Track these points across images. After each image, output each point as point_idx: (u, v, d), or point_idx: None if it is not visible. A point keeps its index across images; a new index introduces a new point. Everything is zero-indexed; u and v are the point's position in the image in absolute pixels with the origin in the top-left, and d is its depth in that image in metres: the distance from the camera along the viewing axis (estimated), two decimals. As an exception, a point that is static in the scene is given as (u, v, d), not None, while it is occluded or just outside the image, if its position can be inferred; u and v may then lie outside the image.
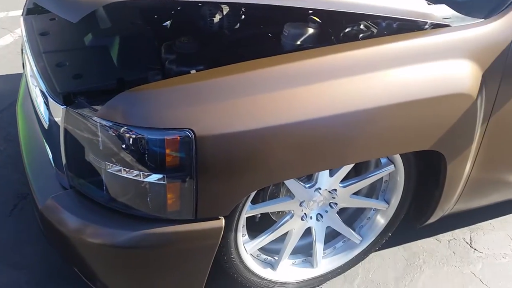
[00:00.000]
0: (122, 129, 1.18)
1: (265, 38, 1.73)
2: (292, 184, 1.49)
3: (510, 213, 2.20)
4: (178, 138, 1.15)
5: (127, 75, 1.35)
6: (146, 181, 1.22)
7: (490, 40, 1.40)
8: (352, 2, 1.34)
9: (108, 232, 1.31)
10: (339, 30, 1.56)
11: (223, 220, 1.31)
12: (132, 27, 1.64)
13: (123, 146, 1.20)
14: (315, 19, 1.65)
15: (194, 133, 1.14)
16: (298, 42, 1.57)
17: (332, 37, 1.57)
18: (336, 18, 1.61)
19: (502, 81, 1.45)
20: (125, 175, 1.23)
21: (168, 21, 1.94)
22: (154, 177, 1.21)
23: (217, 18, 1.76)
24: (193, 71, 1.37)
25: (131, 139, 1.18)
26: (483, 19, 1.41)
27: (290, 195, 1.55)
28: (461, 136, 1.47)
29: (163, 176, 1.20)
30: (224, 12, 1.77)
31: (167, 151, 1.17)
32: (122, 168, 1.23)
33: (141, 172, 1.22)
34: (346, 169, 1.53)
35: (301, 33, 1.58)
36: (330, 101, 1.28)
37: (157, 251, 1.32)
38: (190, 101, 1.17)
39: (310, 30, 1.58)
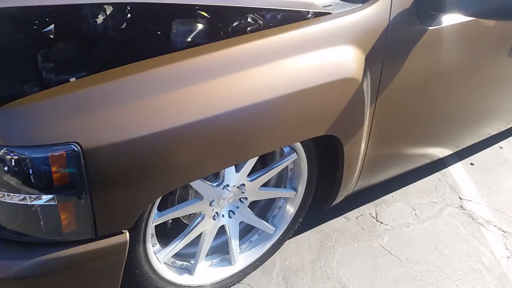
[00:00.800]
0: (1, 151, 1.06)
1: (153, 37, 1.66)
2: (198, 185, 1.45)
3: (408, 184, 2.36)
4: (64, 153, 1.06)
5: (-1, 90, 1.22)
6: (36, 204, 1.12)
7: (369, 23, 1.47)
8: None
9: (0, 265, 1.18)
10: (227, 24, 1.55)
11: (127, 234, 1.24)
12: (3, 37, 1.49)
13: (5, 169, 1.08)
14: (203, 15, 1.62)
15: (80, 146, 1.06)
16: (188, 39, 1.54)
17: (221, 32, 1.55)
18: (223, 12, 1.59)
19: (384, 62, 1.54)
20: (12, 201, 1.12)
21: (51, 27, 1.79)
22: (43, 199, 1.11)
23: (100, 18, 1.66)
24: (73, 79, 1.28)
25: (13, 161, 1.07)
26: (361, 4, 1.48)
27: (198, 196, 1.52)
28: (353, 119, 1.53)
29: (53, 196, 1.10)
30: (108, 12, 1.68)
31: (54, 168, 1.07)
32: (7, 193, 1.11)
33: (28, 195, 1.11)
34: (251, 163, 1.53)
35: (190, 29, 1.55)
36: (224, 97, 1.26)
37: (59, 277, 1.22)
38: (72, 111, 1.09)
39: (199, 26, 1.55)
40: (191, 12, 1.62)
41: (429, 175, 2.46)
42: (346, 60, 1.43)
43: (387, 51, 1.53)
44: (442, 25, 1.64)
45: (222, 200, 1.56)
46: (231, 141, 1.30)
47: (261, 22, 1.48)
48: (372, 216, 2.15)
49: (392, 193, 2.31)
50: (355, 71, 1.44)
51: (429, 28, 1.60)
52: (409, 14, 1.54)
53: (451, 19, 1.65)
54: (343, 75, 1.42)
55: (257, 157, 1.52)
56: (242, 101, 1.28)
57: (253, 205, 1.73)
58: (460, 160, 2.60)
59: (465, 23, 1.68)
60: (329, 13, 1.43)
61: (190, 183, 1.40)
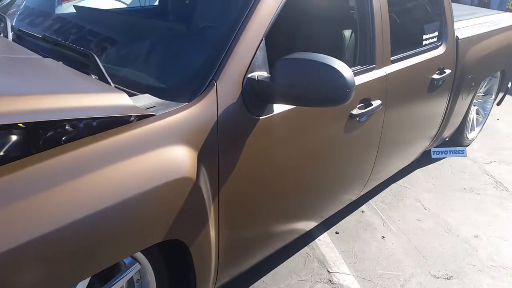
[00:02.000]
0: None
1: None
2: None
3: (279, 264, 2.33)
4: None
5: None
6: None
7: (197, 121, 1.45)
8: (46, 109, 1.23)
9: None
10: (42, 135, 1.42)
11: None
12: None
13: None
14: (19, 125, 1.47)
15: None
16: (1, 153, 1.37)
17: (36, 144, 1.41)
18: (38, 123, 1.46)
19: (220, 156, 1.51)
20: None
21: None
22: None
23: None
24: None
25: None
26: (187, 103, 1.46)
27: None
28: (194, 218, 1.46)
29: None
30: None
31: None
32: None
33: None
34: (84, 284, 1.36)
35: (4, 142, 1.38)
36: (39, 218, 1.11)
37: None
38: None
39: (13, 138, 1.39)
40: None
41: (298, 250, 2.46)
42: (177, 160, 1.37)
43: (221, 145, 1.51)
44: (274, 113, 1.69)
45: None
46: (51, 267, 1.13)
47: (78, 130, 1.38)
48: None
49: (263, 278, 2.24)
50: (188, 170, 1.39)
51: (260, 117, 1.64)
52: (237, 107, 1.56)
53: (282, 106, 1.71)
54: (175, 176, 1.36)
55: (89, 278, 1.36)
56: (62, 219, 1.14)
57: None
58: (326, 230, 2.66)
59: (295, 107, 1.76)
60: (152, 115, 1.38)
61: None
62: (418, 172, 3.43)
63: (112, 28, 2.00)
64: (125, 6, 4.07)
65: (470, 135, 3.84)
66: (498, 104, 4.28)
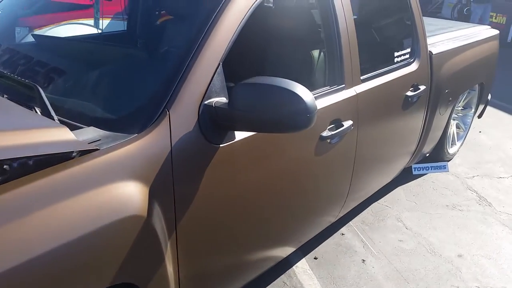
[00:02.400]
0: None
1: None
2: None
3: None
4: None
5: None
6: None
7: (148, 153, 1.36)
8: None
9: None
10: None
11: None
12: None
13: None
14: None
15: None
16: None
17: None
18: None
19: (176, 189, 1.43)
20: None
21: None
22: None
23: None
24: None
25: None
26: (136, 134, 1.37)
27: None
28: (148, 258, 1.36)
29: None
30: None
31: None
32: None
33: None
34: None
35: None
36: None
37: None
38: None
39: None
40: None
41: (275, 279, 2.36)
42: (125, 197, 1.28)
43: (176, 177, 1.42)
44: (236, 140, 1.61)
45: None
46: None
47: (13, 170, 1.28)
48: None
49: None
50: (139, 207, 1.30)
51: (220, 145, 1.56)
52: (194, 136, 1.47)
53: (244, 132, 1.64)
54: (124, 214, 1.26)
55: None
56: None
57: None
58: (304, 255, 2.56)
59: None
60: (97, 149, 1.29)
61: None
62: (399, 190, 3.36)
63: (63, 57, 1.93)
64: (98, 31, 4.01)
65: (451, 150, 3.80)
66: (479, 116, 4.26)
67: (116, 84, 1.68)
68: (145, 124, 1.40)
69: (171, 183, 1.41)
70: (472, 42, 3.52)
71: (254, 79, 1.51)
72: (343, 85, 2.20)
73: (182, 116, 1.46)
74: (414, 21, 2.79)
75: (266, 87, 1.47)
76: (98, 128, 1.38)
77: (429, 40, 3.18)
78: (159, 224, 1.37)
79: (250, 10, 1.72)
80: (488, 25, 4.42)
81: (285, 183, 1.96)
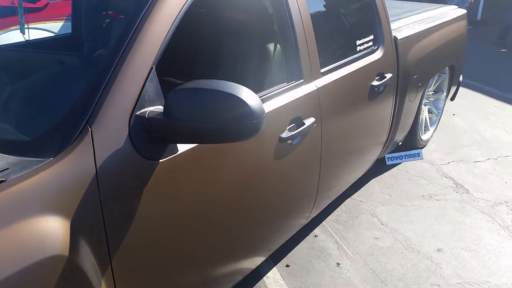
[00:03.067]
0: None
1: None
2: None
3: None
4: None
5: None
6: None
7: (67, 179, 1.16)
8: None
9: None
10: None
11: None
12: None
13: None
14: None
15: None
16: None
17: None
18: None
19: (106, 216, 1.23)
20: None
21: None
22: None
23: None
24: None
25: None
26: (52, 158, 1.18)
27: None
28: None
29: None
30: None
31: None
32: None
33: None
34: None
35: None
36: None
37: None
38: None
39: None
40: None
41: (245, 293, 2.19)
42: (40, 235, 1.08)
43: (105, 204, 1.23)
44: (179, 152, 1.43)
45: None
46: None
47: None
48: None
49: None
50: (60, 245, 1.10)
51: (160, 160, 1.37)
52: (125, 153, 1.28)
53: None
54: (41, 256, 1.07)
55: None
56: None
57: None
58: (275, 264, 2.40)
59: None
60: (2, 181, 1.09)
61: None
62: (373, 183, 3.22)
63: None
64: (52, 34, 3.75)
65: (424, 136, 3.68)
66: (452, 99, 4.16)
67: (28, 99, 1.47)
68: (62, 145, 1.20)
69: (99, 211, 1.22)
70: (439, 24, 3.39)
71: (192, 83, 1.32)
72: (302, 80, 2.03)
73: (109, 131, 1.26)
74: (376, 6, 2.63)
75: (206, 92, 1.29)
76: (6, 153, 1.17)
77: (394, 25, 3.04)
78: (87, 261, 1.18)
79: (188, 3, 1.52)
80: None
81: (244, 192, 1.79)
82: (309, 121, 2.00)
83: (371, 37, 2.59)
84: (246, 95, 1.29)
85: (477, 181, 3.24)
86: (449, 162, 3.52)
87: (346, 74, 2.29)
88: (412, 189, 3.14)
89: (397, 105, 2.92)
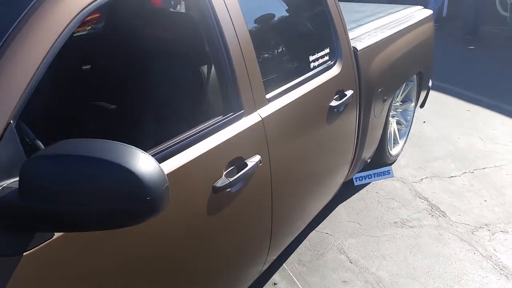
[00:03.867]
0: None
1: None
2: None
3: None
4: None
5: None
6: None
7: None
8: None
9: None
10: None
11: None
12: None
13: None
14: None
15: None
16: None
17: None
18: None
19: None
20: None
21: None
22: None
23: None
24: None
25: None
26: None
27: None
28: None
29: None
30: None
31: None
32: None
33: None
34: None
35: None
36: None
37: None
38: None
39: None
40: None
41: None
42: None
43: None
44: (53, 238, 1.04)
45: None
46: None
47: None
48: None
49: None
50: None
51: (24, 254, 0.98)
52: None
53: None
54: None
55: None
56: None
57: None
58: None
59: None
60: None
61: None
62: (341, 209, 2.88)
63: None
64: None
65: (394, 151, 3.36)
66: (421, 106, 3.87)
67: None
68: None
69: None
70: (404, 28, 3.08)
71: (56, 146, 0.94)
72: (242, 111, 1.66)
73: None
74: (330, 14, 2.28)
75: (73, 161, 0.91)
76: None
77: (354, 33, 2.71)
78: None
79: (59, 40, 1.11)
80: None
81: (176, 260, 1.41)
82: (252, 161, 1.63)
83: (327, 50, 2.24)
84: (134, 160, 0.91)
85: (453, 200, 2.94)
86: (422, 179, 3.21)
87: (298, 98, 1.94)
88: (383, 214, 2.82)
89: (361, 123, 2.59)
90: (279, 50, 2.03)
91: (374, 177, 3.18)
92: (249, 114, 1.69)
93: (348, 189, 3.04)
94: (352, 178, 3.08)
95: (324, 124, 2.17)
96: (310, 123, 2.07)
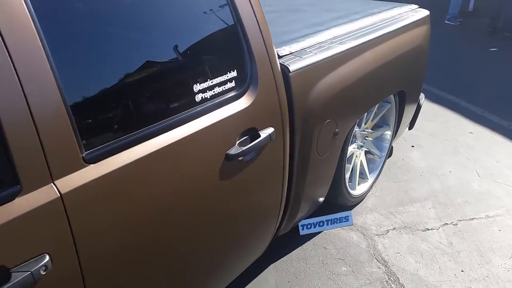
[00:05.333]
0: None
1: None
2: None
3: None
4: None
5: None
6: None
7: None
8: None
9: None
10: None
11: None
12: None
13: None
14: None
15: None
16: None
17: None
18: None
19: None
20: None
21: None
22: None
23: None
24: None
25: None
26: None
27: None
28: None
29: None
30: None
31: None
32: None
33: None
34: None
35: None
36: None
37: None
38: None
39: None
40: None
41: None
42: None
43: None
44: None
45: None
46: None
47: None
48: None
49: None
50: None
51: None
52: None
53: None
54: None
55: None
56: None
57: None
58: None
59: None
60: None
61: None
62: (271, 272, 2.25)
63: None
64: None
65: (357, 191, 2.69)
66: (410, 128, 3.19)
67: None
68: None
69: None
70: (378, 37, 2.37)
71: None
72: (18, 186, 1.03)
73: None
74: (240, 20, 1.61)
75: None
76: None
77: (299, 45, 2.03)
78: None
79: None
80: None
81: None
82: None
83: (231, 75, 1.57)
84: None
85: (420, 268, 2.26)
86: (387, 231, 2.54)
87: (160, 148, 1.30)
88: (324, 285, 2.17)
89: (294, 166, 1.93)
90: (135, 77, 1.36)
91: (327, 224, 2.52)
92: (32, 191, 1.06)
93: (290, 241, 2.40)
94: (298, 225, 2.45)
95: (216, 180, 1.52)
96: (187, 186, 1.42)
